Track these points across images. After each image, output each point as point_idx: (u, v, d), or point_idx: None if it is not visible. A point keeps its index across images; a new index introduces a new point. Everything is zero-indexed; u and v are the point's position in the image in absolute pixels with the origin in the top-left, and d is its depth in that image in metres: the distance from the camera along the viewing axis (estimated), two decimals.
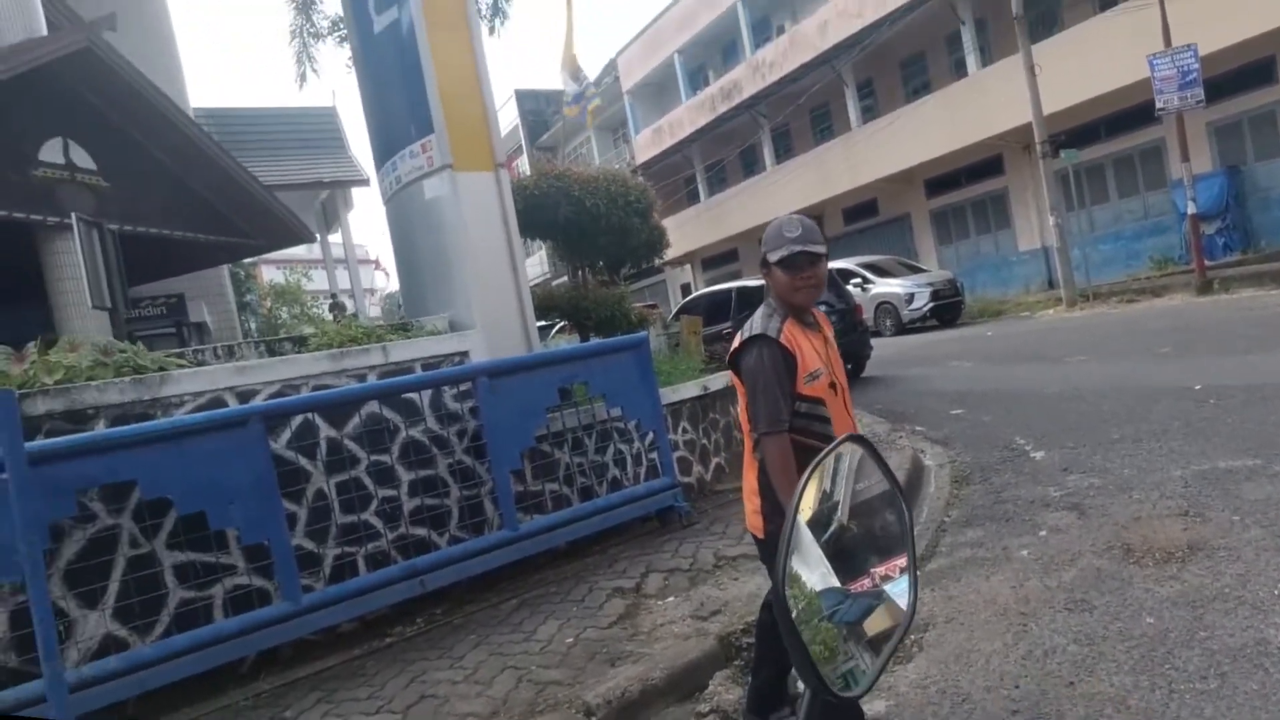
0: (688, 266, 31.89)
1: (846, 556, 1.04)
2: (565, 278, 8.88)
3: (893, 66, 22.66)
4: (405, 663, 3.64)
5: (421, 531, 4.37)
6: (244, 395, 3.99)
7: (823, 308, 10.33)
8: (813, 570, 0.98)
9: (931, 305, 16.00)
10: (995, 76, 18.15)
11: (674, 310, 12.37)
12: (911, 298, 16.10)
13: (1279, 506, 3.90)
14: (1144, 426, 5.75)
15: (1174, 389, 6.63)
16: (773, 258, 2.21)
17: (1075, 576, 3.59)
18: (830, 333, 2.41)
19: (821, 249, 2.21)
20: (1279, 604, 3.00)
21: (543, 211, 7.09)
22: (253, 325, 23.32)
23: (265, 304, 26.94)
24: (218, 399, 3.91)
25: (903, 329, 16.08)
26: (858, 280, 16.62)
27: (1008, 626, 3.24)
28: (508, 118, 35.49)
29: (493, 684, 3.28)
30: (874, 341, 12.14)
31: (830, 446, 1.03)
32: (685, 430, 5.84)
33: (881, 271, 17.20)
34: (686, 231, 29.01)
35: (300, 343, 4.71)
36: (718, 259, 30.48)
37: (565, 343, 8.47)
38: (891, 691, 2.93)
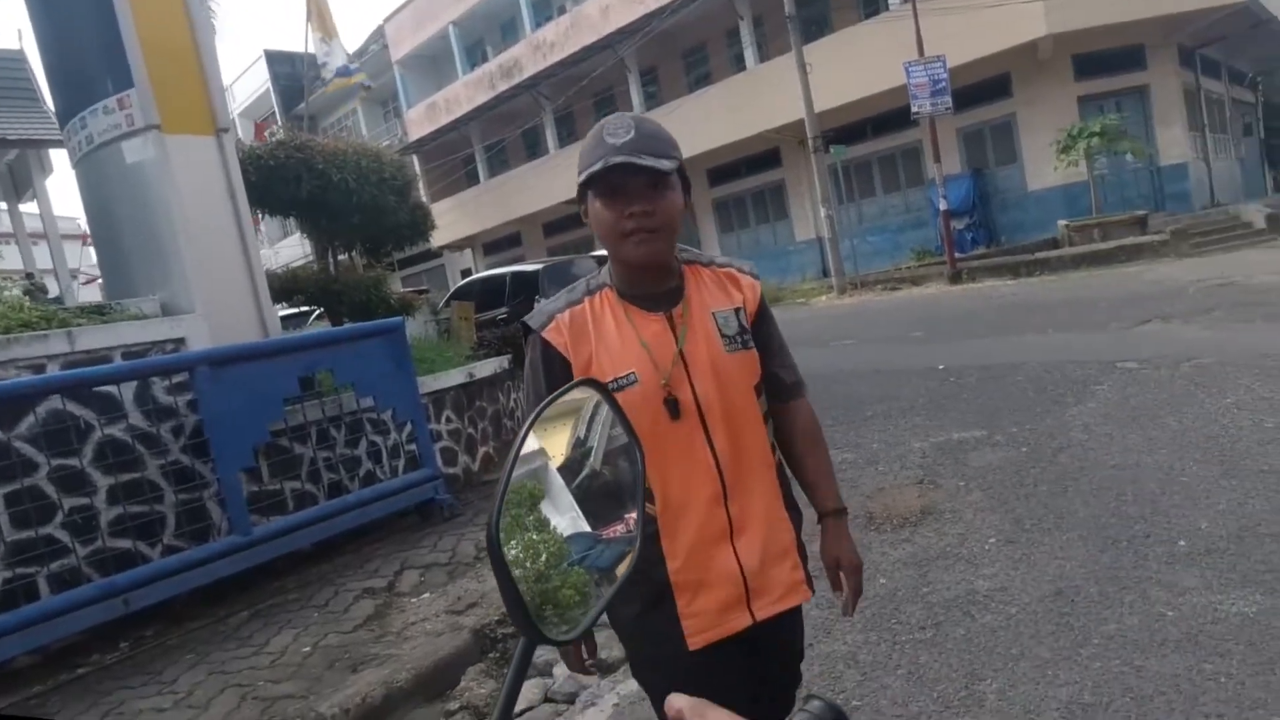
0: (468, 251, 31.31)
1: (597, 502, 1.04)
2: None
3: (675, 55, 23.60)
4: (99, 694, 3.25)
5: (125, 543, 3.93)
6: None
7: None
8: (562, 515, 0.97)
9: None
10: (772, 72, 19.45)
11: (446, 296, 12.08)
12: None
13: (997, 471, 4.52)
14: (894, 404, 6.42)
15: (922, 369, 7.46)
16: (583, 177, 1.43)
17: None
18: (727, 306, 1.52)
19: (664, 164, 1.40)
20: (987, 557, 3.48)
21: (282, 185, 6.60)
22: None
23: None
24: None
25: None
26: None
27: None
28: (257, 80, 32.89)
29: (210, 706, 3.02)
30: None
31: (563, 389, 1.01)
32: (449, 419, 5.72)
33: None
34: (467, 213, 28.48)
35: None
36: (500, 243, 30.19)
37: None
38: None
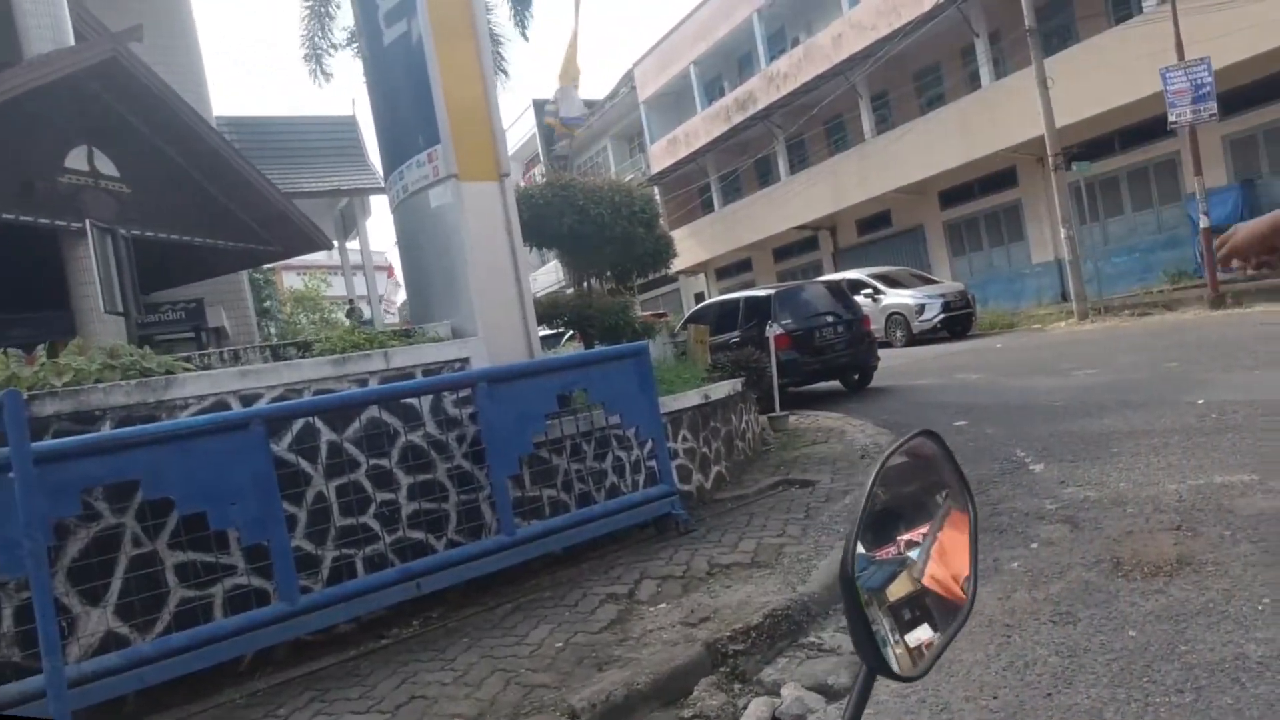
0: (701, 275, 31.91)
1: (873, 526, 1.08)
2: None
3: (907, 78, 22.61)
4: (398, 664, 3.68)
5: (419, 535, 4.42)
6: (248, 399, 4.06)
7: (829, 318, 10.50)
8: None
9: (942, 316, 15.93)
10: (1008, 88, 18.08)
11: (683, 319, 12.40)
12: (922, 309, 16.03)
13: (1270, 522, 3.87)
14: (1144, 441, 5.70)
15: (1178, 404, 6.57)
16: None
17: (1062, 589, 3.57)
18: None
19: None
20: (1261, 619, 2.99)
21: (547, 221, 7.15)
22: (273, 330, 23.58)
23: (285, 309, 27.24)
24: (221, 402, 3.98)
25: (913, 340, 16.01)
26: (869, 290, 16.58)
27: (992, 637, 3.24)
28: (525, 127, 35.72)
29: (482, 686, 3.31)
30: (884, 352, 12.11)
31: (904, 439, 1.04)
32: (685, 438, 5.86)
33: (893, 282, 17.14)
34: (701, 240, 29.05)
35: (305, 348, 4.79)
36: (732, 268, 30.48)
37: (573, 351, 8.53)
38: (871, 699, 2.93)
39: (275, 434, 3.95)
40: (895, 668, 0.80)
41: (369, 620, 4.12)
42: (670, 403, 5.78)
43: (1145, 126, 16.13)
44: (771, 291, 10.86)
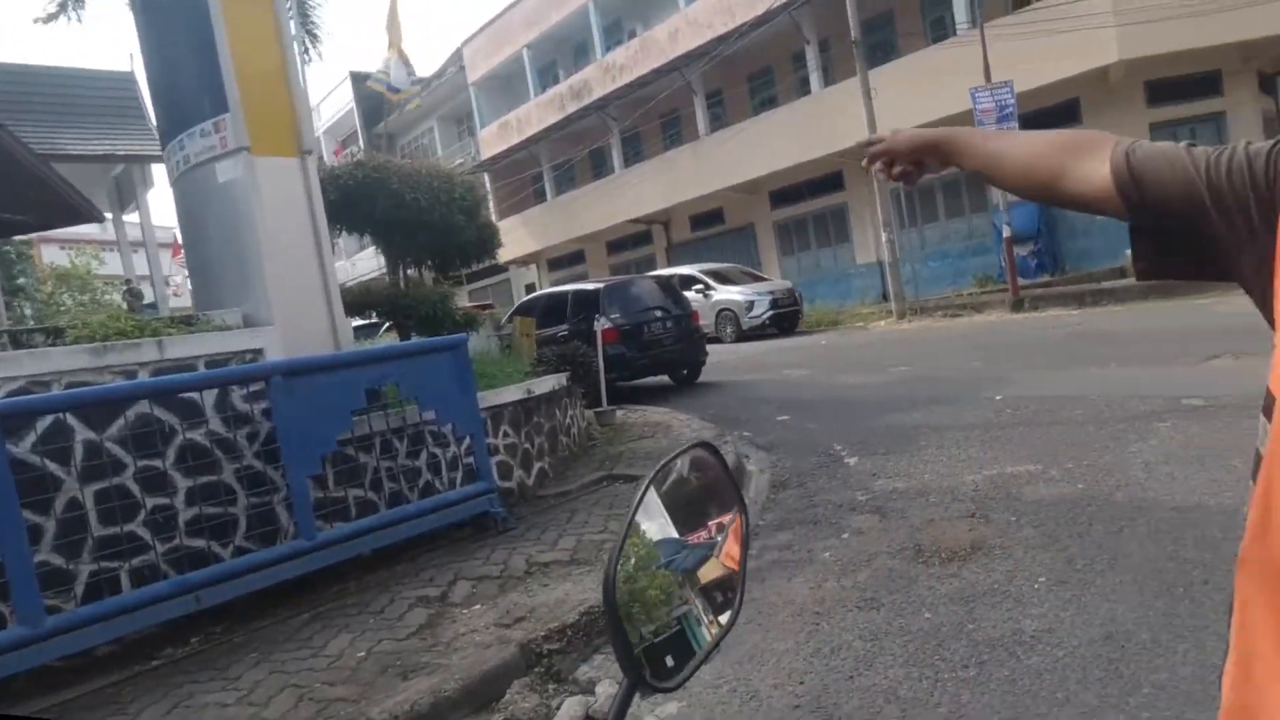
0: (533, 266, 31.77)
1: (683, 510, 1.10)
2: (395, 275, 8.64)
3: (741, 79, 23.61)
4: (171, 686, 3.38)
5: (200, 543, 4.08)
6: None
7: (659, 313, 10.78)
8: (651, 521, 1.02)
9: (771, 313, 16.78)
10: (837, 96, 19.30)
11: (509, 311, 12.28)
12: (751, 305, 16.81)
13: (1051, 508, 4.37)
14: (948, 435, 6.27)
15: (978, 400, 7.28)
16: None
17: (869, 576, 3.86)
18: None
19: None
20: (1036, 596, 3.37)
21: (359, 204, 6.84)
22: (28, 312, 20.98)
23: (45, 288, 24.29)
24: None
25: (743, 336, 16.75)
26: (700, 286, 17.17)
27: (802, 626, 3.44)
28: (341, 100, 34.03)
29: (269, 704, 3.11)
30: (714, 348, 12.58)
31: (679, 450, 1.06)
32: (507, 434, 5.80)
33: (724, 279, 17.85)
34: (533, 230, 28.91)
35: (55, 335, 4.28)
36: (564, 260, 30.55)
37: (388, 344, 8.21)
38: (685, 691, 3.03)
39: (14, 433, 3.51)
40: (654, 679, 0.85)
41: (137, 640, 3.76)
42: (492, 397, 5.71)
43: None
44: (600, 285, 10.99)
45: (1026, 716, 2.56)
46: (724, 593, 1.05)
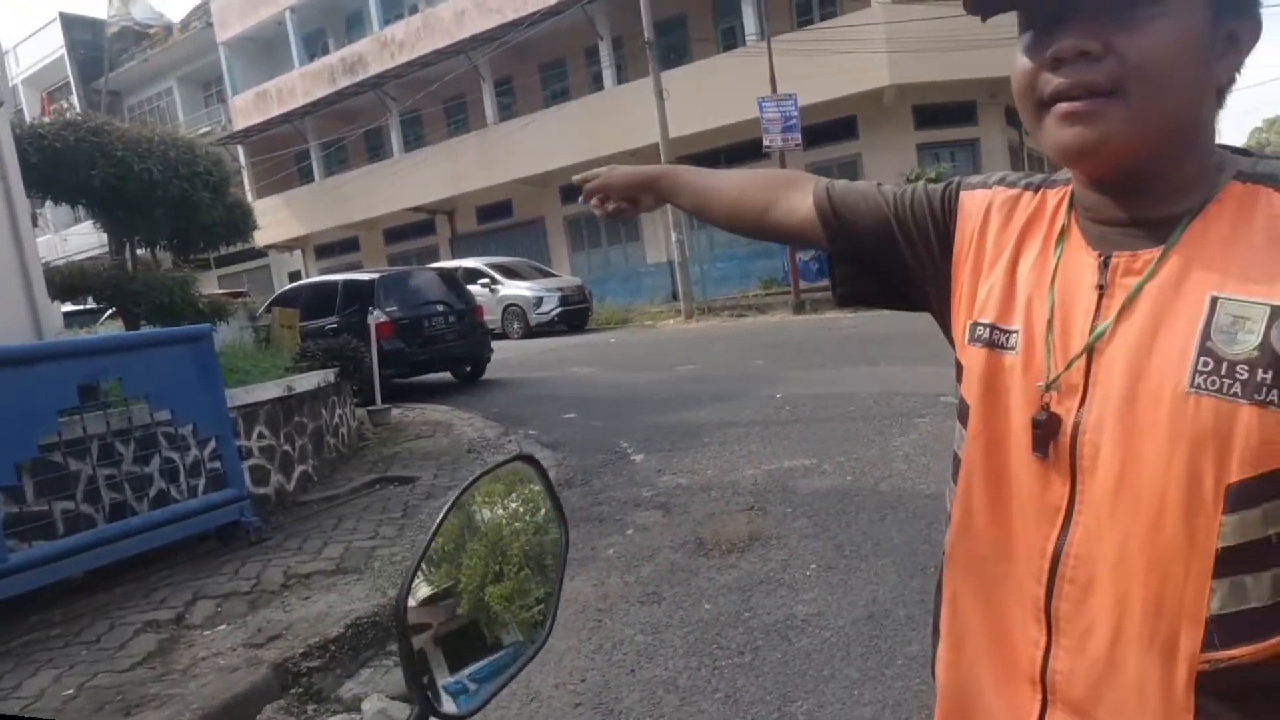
0: (298, 252, 29.94)
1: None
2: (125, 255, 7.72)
3: (533, 68, 23.66)
4: None
5: None
6: None
7: (440, 307, 10.58)
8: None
9: (560, 310, 16.94)
10: (630, 94, 19.87)
11: (267, 301, 11.49)
12: (540, 301, 16.89)
13: (823, 499, 4.77)
14: (730, 431, 6.65)
15: (760, 398, 7.78)
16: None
17: (651, 571, 4.01)
18: (1266, 295, 0.68)
19: None
20: (808, 583, 3.67)
21: (70, 170, 6.07)
22: None
23: None
24: None
25: (530, 332, 16.78)
26: (486, 280, 17.01)
27: (584, 623, 3.51)
28: (49, 44, 30.23)
29: None
30: (499, 345, 12.51)
31: (500, 462, 1.01)
32: (263, 435, 5.43)
33: (511, 273, 17.79)
34: (298, 213, 27.25)
35: None
36: (335, 247, 29.05)
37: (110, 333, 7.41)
38: None
39: None
40: (447, 708, 0.84)
41: None
42: (244, 395, 5.34)
43: (747, 147, 18.89)
44: (376, 276, 10.61)
45: (796, 695, 2.77)
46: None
